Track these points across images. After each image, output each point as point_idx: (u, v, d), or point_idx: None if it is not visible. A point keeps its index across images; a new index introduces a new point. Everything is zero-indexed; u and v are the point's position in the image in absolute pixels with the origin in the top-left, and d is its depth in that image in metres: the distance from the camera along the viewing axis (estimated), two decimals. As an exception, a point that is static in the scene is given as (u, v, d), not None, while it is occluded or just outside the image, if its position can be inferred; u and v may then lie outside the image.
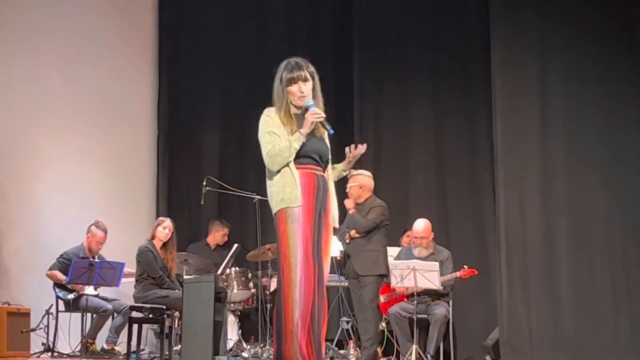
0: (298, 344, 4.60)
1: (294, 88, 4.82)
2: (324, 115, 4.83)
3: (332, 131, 4.91)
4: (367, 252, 7.84)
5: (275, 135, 4.76)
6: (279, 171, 4.76)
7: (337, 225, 5.00)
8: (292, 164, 4.77)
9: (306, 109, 4.83)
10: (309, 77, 4.85)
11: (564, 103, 8.07)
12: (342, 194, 9.21)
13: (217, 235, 9.89)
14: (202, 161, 10.46)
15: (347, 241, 7.93)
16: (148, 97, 10.31)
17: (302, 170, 4.79)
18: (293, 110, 4.87)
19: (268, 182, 4.83)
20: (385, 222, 7.98)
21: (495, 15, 8.40)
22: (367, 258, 7.83)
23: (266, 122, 4.82)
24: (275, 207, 4.77)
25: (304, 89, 4.83)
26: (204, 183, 8.76)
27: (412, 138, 9.76)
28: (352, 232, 7.89)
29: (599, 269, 7.79)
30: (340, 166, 5.05)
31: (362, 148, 4.98)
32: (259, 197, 8.48)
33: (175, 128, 10.40)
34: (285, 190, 4.73)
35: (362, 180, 8.01)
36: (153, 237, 8.49)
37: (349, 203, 7.96)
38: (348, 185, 7.97)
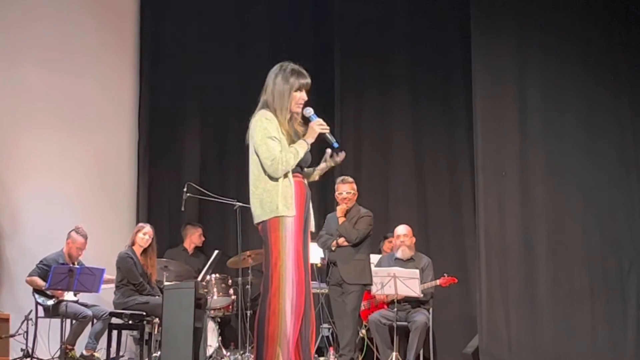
0: (286, 353, 4.58)
1: (298, 94, 4.78)
2: (328, 127, 4.82)
3: (336, 144, 4.85)
4: (356, 260, 7.78)
5: (277, 141, 4.65)
6: (275, 179, 4.64)
7: (313, 229, 4.93)
8: (290, 173, 4.68)
9: (305, 117, 4.81)
10: None
11: (543, 110, 8.12)
12: (322, 200, 9.29)
13: (193, 237, 9.83)
14: (182, 167, 10.42)
15: (333, 248, 7.87)
16: (128, 102, 10.28)
17: (294, 179, 4.72)
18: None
19: (259, 188, 4.67)
20: (371, 232, 7.97)
21: (475, 22, 8.45)
22: (355, 266, 7.77)
23: (267, 127, 4.65)
24: (265, 214, 4.63)
25: (304, 97, 4.82)
26: (185, 189, 8.73)
27: (392, 145, 9.79)
28: (341, 240, 7.82)
29: (578, 275, 7.84)
30: (315, 172, 5.00)
31: (342, 156, 4.97)
32: (240, 203, 8.47)
33: (155, 134, 10.37)
34: (282, 199, 4.61)
35: (355, 188, 7.94)
36: (133, 243, 8.48)
37: (340, 211, 7.90)
38: (342, 192, 7.87)
